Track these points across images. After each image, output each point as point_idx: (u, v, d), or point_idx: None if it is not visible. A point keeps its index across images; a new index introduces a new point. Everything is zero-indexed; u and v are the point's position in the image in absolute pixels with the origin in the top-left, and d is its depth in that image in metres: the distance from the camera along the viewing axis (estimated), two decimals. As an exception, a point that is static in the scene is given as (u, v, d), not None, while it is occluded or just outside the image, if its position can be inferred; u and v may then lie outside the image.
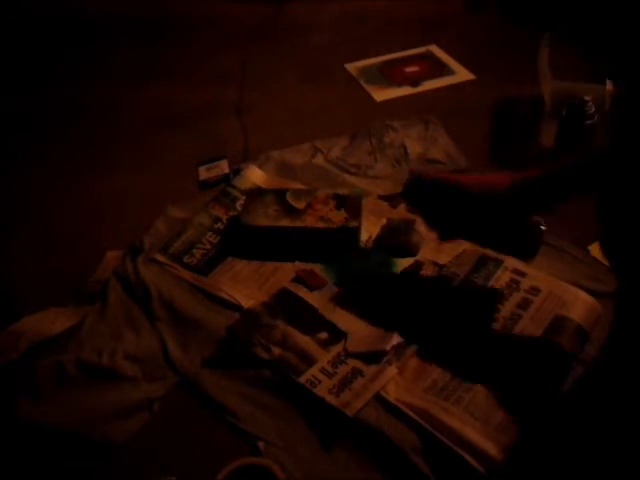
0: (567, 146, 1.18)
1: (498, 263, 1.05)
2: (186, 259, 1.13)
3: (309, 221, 1.10)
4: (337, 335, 0.97)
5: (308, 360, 0.93)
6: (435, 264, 1.07)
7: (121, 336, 1.01)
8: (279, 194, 1.17)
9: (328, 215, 1.11)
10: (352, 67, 1.74)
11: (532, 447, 0.77)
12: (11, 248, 1.21)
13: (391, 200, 1.22)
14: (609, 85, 1.24)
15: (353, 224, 1.10)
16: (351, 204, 1.13)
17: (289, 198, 1.15)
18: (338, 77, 1.71)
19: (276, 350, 0.94)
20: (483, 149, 1.37)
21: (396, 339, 0.93)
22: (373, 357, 0.92)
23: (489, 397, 0.85)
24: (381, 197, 1.23)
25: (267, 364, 0.93)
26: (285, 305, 1.02)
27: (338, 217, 1.11)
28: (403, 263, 1.08)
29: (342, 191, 1.17)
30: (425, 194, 0.96)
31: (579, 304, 0.96)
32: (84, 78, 1.79)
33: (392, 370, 0.90)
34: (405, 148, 1.38)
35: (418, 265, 1.07)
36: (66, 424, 0.89)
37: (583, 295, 0.98)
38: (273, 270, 1.10)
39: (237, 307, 1.03)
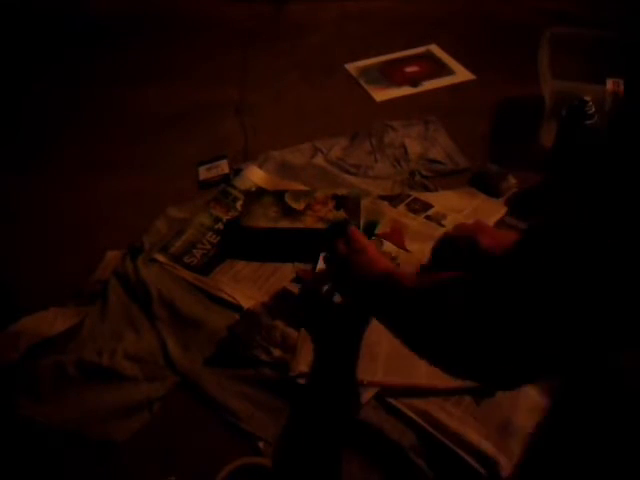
0: (567, 146, 1.18)
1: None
2: (186, 259, 1.13)
3: (309, 222, 1.10)
4: (337, 335, 0.97)
5: (308, 360, 0.93)
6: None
7: (121, 336, 1.01)
8: (278, 195, 1.17)
9: (327, 216, 1.11)
10: (352, 67, 1.74)
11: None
12: (11, 248, 1.21)
13: (391, 200, 1.22)
14: (609, 85, 1.24)
15: (353, 221, 1.10)
16: (350, 204, 1.13)
17: (288, 199, 1.15)
18: (338, 77, 1.71)
19: (276, 352, 0.94)
20: (483, 149, 1.38)
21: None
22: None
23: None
24: (381, 197, 1.23)
25: (267, 365, 0.93)
26: (285, 305, 1.02)
27: (337, 217, 1.11)
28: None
29: (340, 191, 1.17)
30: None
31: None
32: (83, 78, 1.79)
33: (392, 370, 0.90)
34: (405, 148, 1.38)
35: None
36: (66, 424, 0.89)
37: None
38: (273, 270, 1.10)
39: (237, 307, 1.03)
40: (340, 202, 1.14)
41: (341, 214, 1.11)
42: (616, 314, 0.46)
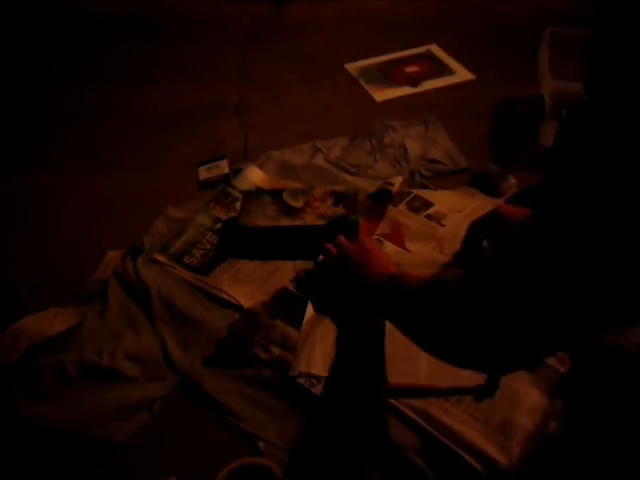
0: (567, 146, 1.18)
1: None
2: (186, 259, 1.13)
3: (308, 219, 1.11)
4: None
5: (308, 360, 0.93)
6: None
7: (121, 336, 1.01)
8: (275, 194, 1.16)
9: (327, 212, 1.11)
10: (352, 67, 1.74)
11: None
12: (11, 248, 1.21)
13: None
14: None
15: (352, 217, 1.11)
16: (348, 200, 1.14)
17: (286, 197, 1.15)
18: (338, 77, 1.71)
19: (276, 350, 0.94)
20: (483, 149, 1.37)
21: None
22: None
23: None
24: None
25: (267, 364, 0.93)
26: (285, 305, 1.02)
27: (337, 213, 1.11)
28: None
29: (338, 188, 1.17)
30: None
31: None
32: (83, 78, 1.79)
33: (392, 370, 0.90)
34: (405, 148, 1.38)
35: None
36: (66, 424, 0.89)
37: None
38: (273, 270, 1.10)
39: (237, 307, 1.03)
40: (339, 198, 1.14)
41: (340, 210, 1.12)
42: (620, 290, 0.49)
